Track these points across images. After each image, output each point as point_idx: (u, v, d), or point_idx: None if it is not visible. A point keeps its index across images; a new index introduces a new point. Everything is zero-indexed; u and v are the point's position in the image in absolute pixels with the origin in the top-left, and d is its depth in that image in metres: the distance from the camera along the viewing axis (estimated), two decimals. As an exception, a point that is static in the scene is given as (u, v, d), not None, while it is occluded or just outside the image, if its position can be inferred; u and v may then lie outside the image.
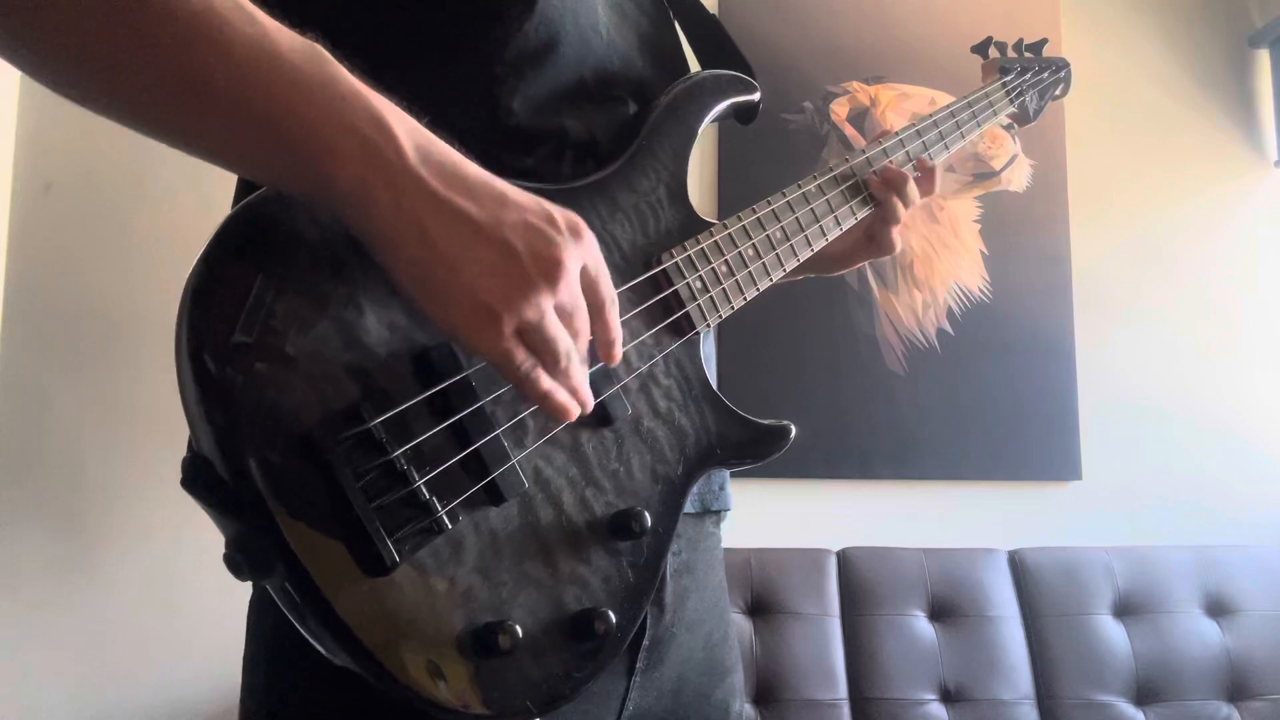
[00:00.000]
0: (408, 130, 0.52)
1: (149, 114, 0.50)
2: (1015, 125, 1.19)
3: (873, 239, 0.95)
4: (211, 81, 0.48)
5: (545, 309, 0.53)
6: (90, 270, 1.96)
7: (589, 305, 0.57)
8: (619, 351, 0.61)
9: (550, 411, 0.56)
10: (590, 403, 0.58)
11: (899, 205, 0.92)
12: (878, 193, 0.91)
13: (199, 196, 1.77)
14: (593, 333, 0.58)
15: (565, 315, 0.55)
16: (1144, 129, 2.55)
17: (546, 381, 0.55)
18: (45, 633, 1.84)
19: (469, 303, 0.51)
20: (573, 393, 0.57)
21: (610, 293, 0.59)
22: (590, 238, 0.57)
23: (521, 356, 0.53)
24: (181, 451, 0.55)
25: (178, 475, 0.52)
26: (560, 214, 0.56)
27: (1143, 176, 2.54)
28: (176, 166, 1.99)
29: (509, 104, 0.68)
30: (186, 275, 0.51)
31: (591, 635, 0.59)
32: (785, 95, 2.34)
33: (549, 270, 0.53)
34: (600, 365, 0.64)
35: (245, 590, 0.69)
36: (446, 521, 0.54)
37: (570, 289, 0.54)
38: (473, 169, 0.54)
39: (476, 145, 0.57)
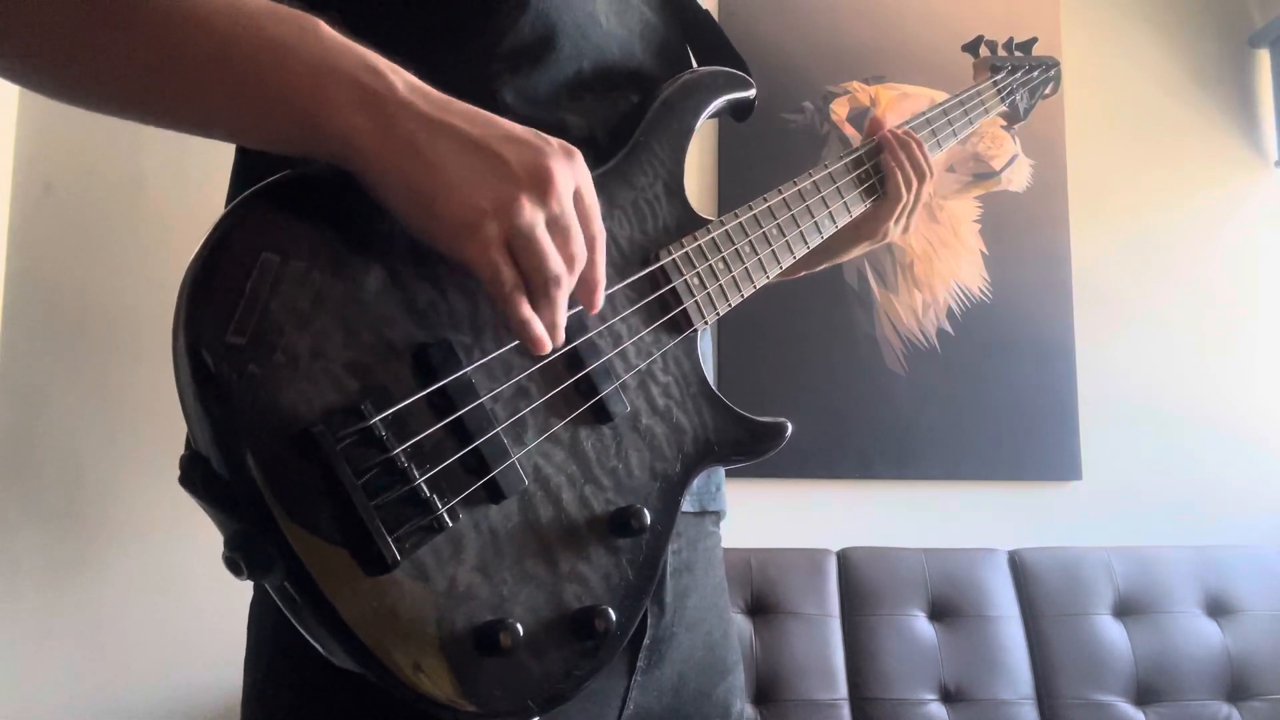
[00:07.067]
0: (394, 70, 0.53)
1: (136, 98, 0.50)
2: (1006, 124, 1.20)
3: (865, 222, 0.96)
4: (194, 54, 0.48)
5: (536, 219, 0.53)
6: (90, 270, 1.96)
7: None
8: (600, 298, 0.60)
9: (525, 339, 0.55)
10: (560, 339, 0.57)
11: (900, 181, 0.93)
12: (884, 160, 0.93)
13: (199, 197, 1.77)
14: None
15: (559, 234, 0.55)
16: (1144, 129, 2.55)
17: (526, 309, 0.55)
18: (44, 632, 1.84)
19: (456, 203, 0.52)
20: (550, 327, 0.56)
21: (601, 229, 0.58)
22: (582, 163, 0.57)
23: (508, 273, 0.53)
24: (181, 451, 0.54)
25: (177, 474, 0.52)
26: (553, 137, 0.56)
27: (1143, 176, 2.54)
28: (177, 167, 2.00)
29: (506, 99, 0.67)
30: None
31: (592, 633, 0.59)
32: (785, 95, 2.34)
33: (538, 177, 0.53)
34: (602, 362, 0.64)
35: (245, 589, 0.69)
36: (447, 519, 0.54)
37: (561, 202, 0.54)
38: (461, 102, 0.55)
39: None
